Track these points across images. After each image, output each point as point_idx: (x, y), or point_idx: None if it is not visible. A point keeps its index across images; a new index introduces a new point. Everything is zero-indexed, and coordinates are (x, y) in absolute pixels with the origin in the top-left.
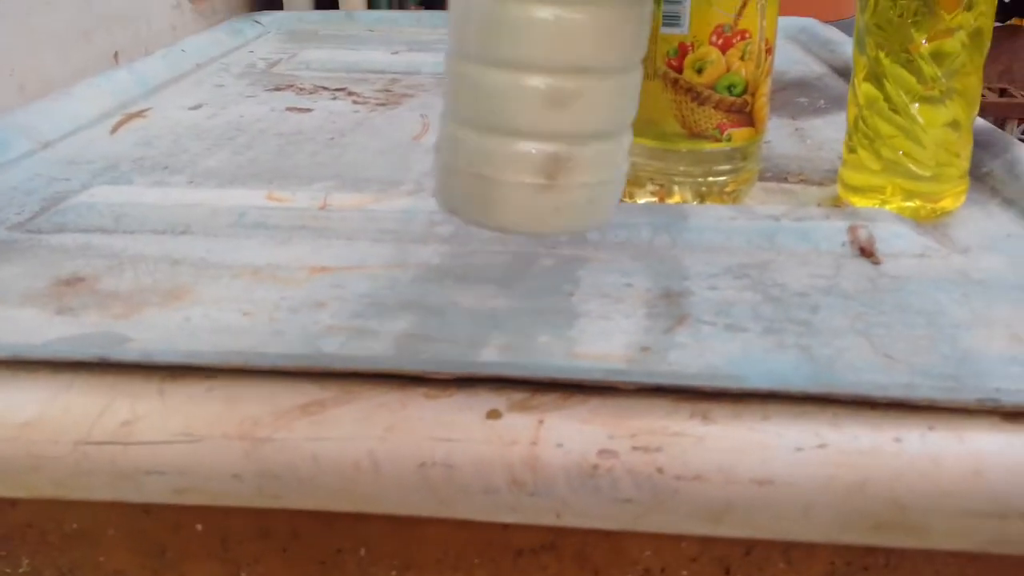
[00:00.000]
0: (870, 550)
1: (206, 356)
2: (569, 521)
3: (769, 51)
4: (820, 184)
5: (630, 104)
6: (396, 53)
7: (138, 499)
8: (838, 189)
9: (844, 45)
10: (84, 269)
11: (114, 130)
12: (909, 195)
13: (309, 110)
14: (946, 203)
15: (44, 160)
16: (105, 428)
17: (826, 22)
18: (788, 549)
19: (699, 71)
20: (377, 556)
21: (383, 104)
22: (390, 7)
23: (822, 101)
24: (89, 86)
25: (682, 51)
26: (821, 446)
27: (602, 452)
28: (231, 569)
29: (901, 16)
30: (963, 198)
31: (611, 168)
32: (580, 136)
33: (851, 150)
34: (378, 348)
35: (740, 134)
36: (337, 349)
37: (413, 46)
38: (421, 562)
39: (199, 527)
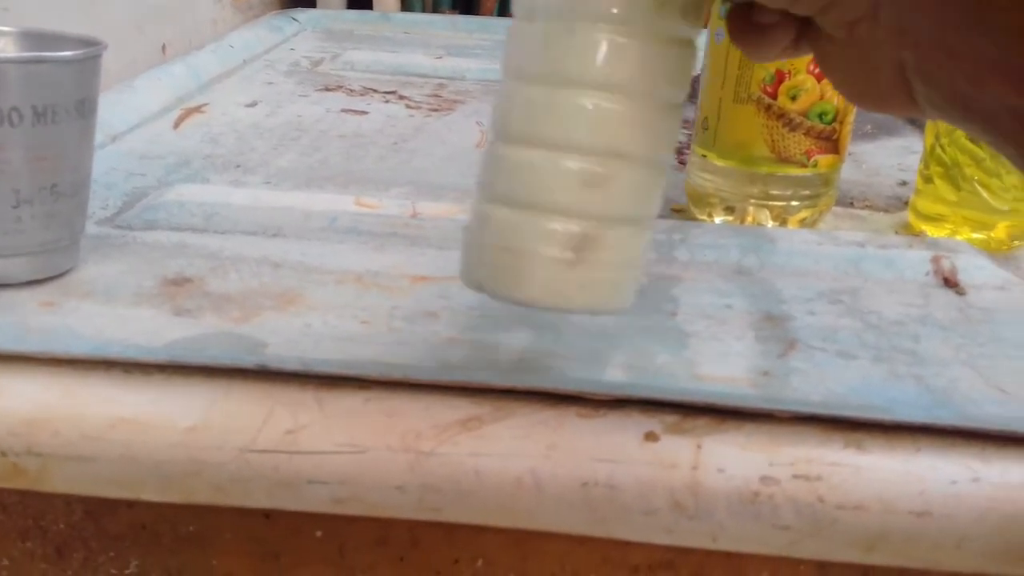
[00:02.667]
0: None
1: (363, 367)
2: (724, 545)
3: None
4: (886, 210)
5: (657, 197)
6: (440, 58)
7: (295, 507)
8: (909, 217)
9: None
10: (188, 269)
11: (177, 125)
12: (982, 226)
13: (365, 112)
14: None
15: (116, 153)
16: (269, 436)
17: None
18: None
19: (793, 98)
20: (494, 568)
21: (436, 110)
22: (423, 10)
23: (869, 126)
24: (149, 79)
25: (779, 78)
26: (975, 480)
27: (763, 479)
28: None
29: None
30: None
31: (635, 254)
32: (609, 218)
33: (927, 179)
34: (503, 362)
35: (825, 160)
36: (464, 362)
37: (452, 51)
38: (537, 575)
39: (318, 533)
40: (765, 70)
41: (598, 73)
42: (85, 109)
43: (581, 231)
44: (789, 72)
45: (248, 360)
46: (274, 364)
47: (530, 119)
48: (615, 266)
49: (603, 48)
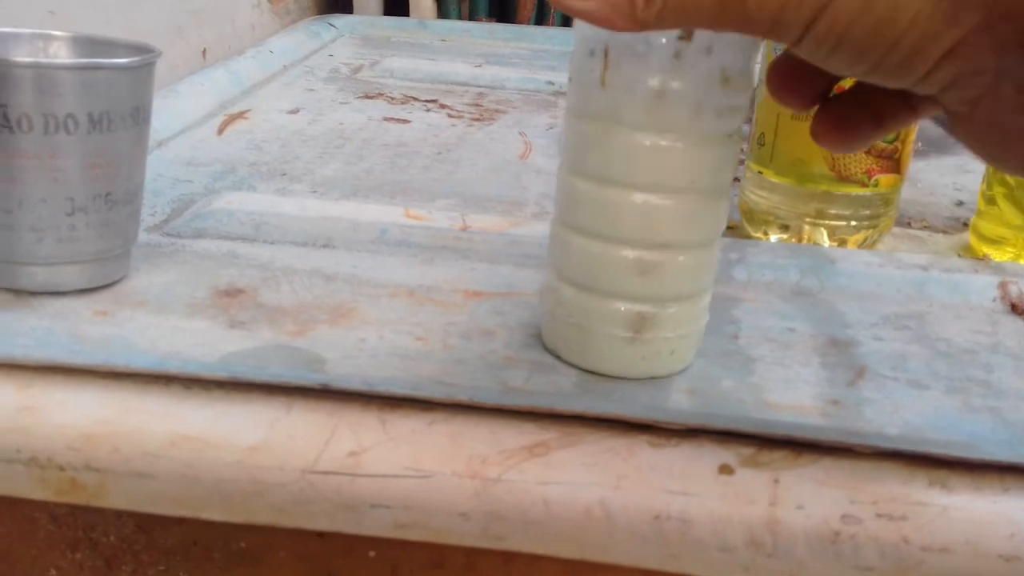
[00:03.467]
0: None
1: (428, 389)
2: None
3: None
4: (945, 232)
5: (708, 272)
6: (479, 66)
7: (356, 531)
8: (971, 239)
9: None
10: (240, 280)
11: (220, 131)
12: None
13: (407, 121)
14: None
15: (162, 160)
16: (332, 458)
17: None
18: None
19: None
20: None
21: (478, 119)
22: (460, 18)
23: (919, 143)
24: (191, 84)
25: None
26: None
27: (845, 517)
28: None
29: None
30: None
31: (690, 324)
32: (662, 299)
33: (990, 201)
34: (564, 384)
35: (887, 180)
36: (524, 384)
37: (491, 59)
38: None
39: (372, 554)
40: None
41: (641, 175)
42: (140, 117)
43: (638, 312)
44: None
45: (312, 379)
46: (337, 384)
47: (585, 212)
48: (672, 339)
49: (644, 152)
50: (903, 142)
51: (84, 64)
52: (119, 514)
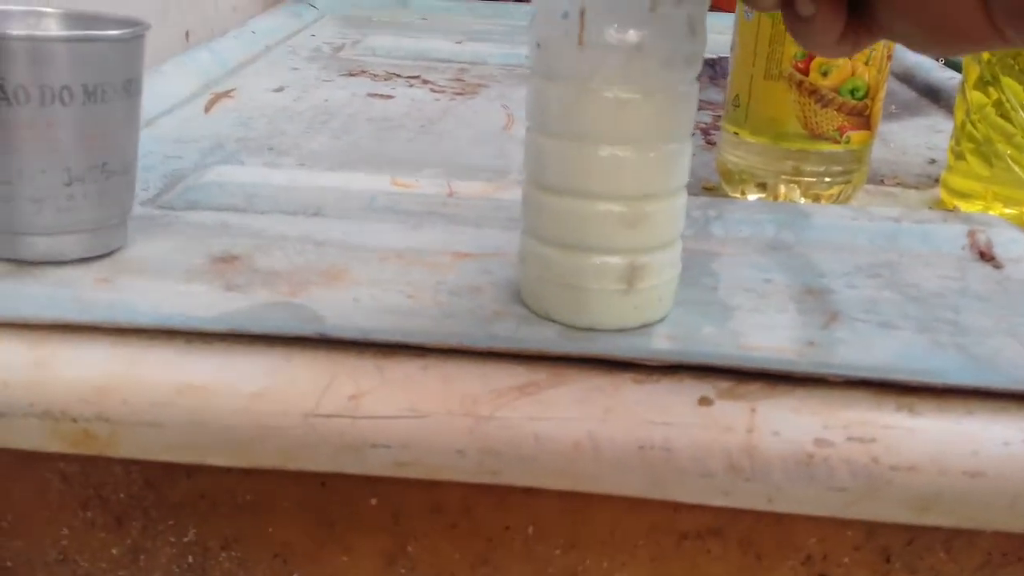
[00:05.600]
0: None
1: (420, 336)
2: (780, 507)
3: (890, 57)
4: (916, 188)
5: (682, 217)
6: (460, 43)
7: (359, 471)
8: (941, 193)
9: (903, 50)
10: (234, 248)
11: (208, 109)
12: (1014, 202)
13: (391, 96)
14: None
15: (151, 137)
16: (333, 401)
17: None
18: (949, 539)
19: (825, 74)
20: (544, 534)
21: (461, 93)
22: None
23: (893, 106)
24: (176, 64)
25: (810, 54)
26: None
27: (818, 441)
28: (399, 542)
29: None
30: None
31: (673, 268)
32: (650, 248)
33: (958, 156)
34: (550, 333)
35: (858, 136)
36: (513, 333)
37: (473, 35)
38: (586, 541)
39: (373, 501)
40: (797, 47)
41: (625, 130)
42: (132, 89)
43: (630, 263)
44: None
45: (309, 328)
46: (334, 333)
47: (563, 172)
48: (660, 284)
49: (626, 107)
50: (872, 99)
51: (78, 36)
52: (128, 470)
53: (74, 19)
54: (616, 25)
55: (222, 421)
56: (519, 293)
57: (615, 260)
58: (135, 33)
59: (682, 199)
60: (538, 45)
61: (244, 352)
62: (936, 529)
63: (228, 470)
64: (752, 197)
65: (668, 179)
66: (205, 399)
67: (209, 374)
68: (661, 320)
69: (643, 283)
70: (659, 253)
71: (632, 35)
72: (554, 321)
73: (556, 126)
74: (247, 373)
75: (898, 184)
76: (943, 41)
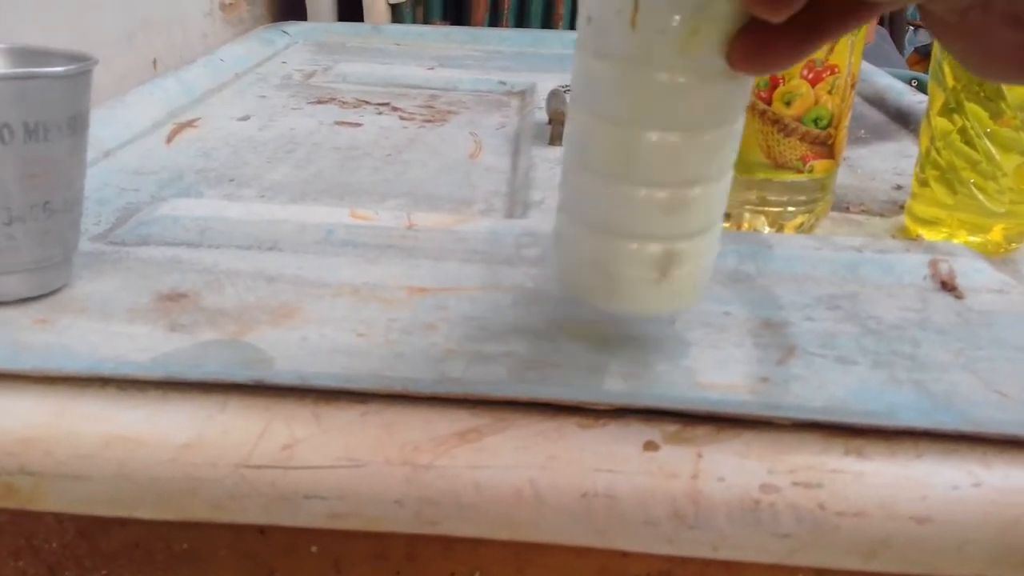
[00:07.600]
0: None
1: (362, 381)
2: (725, 554)
3: (853, 86)
4: (882, 215)
5: (724, 201)
6: (432, 69)
7: (292, 523)
8: (906, 221)
9: (874, 75)
10: (183, 284)
11: (169, 140)
12: (978, 229)
13: (359, 124)
14: (1014, 238)
15: (108, 169)
16: (266, 451)
17: None
18: None
19: (788, 103)
20: None
21: (430, 121)
22: (414, 22)
23: (862, 131)
24: (141, 94)
25: (773, 83)
26: (976, 485)
27: (764, 487)
28: None
29: None
30: None
31: (710, 255)
32: (688, 234)
33: (922, 183)
34: (501, 372)
35: (821, 165)
36: (462, 374)
37: (445, 62)
38: None
39: (313, 549)
40: (760, 76)
41: (676, 114)
42: (77, 125)
43: (664, 251)
44: (784, 78)
45: (245, 375)
46: (270, 379)
47: (608, 154)
48: (694, 272)
49: (678, 91)
50: (836, 128)
51: (18, 74)
52: (60, 519)
53: (19, 54)
54: (671, 8)
55: (149, 473)
56: (475, 328)
57: (652, 247)
58: (79, 70)
59: (727, 180)
60: (589, 20)
61: (179, 399)
62: (884, 575)
63: (163, 520)
64: None
65: (713, 164)
66: (133, 450)
67: (139, 424)
68: (693, 305)
69: (678, 270)
70: (698, 239)
71: (688, 19)
72: (586, 303)
73: (603, 107)
74: (179, 422)
75: (864, 211)
76: (991, 76)
